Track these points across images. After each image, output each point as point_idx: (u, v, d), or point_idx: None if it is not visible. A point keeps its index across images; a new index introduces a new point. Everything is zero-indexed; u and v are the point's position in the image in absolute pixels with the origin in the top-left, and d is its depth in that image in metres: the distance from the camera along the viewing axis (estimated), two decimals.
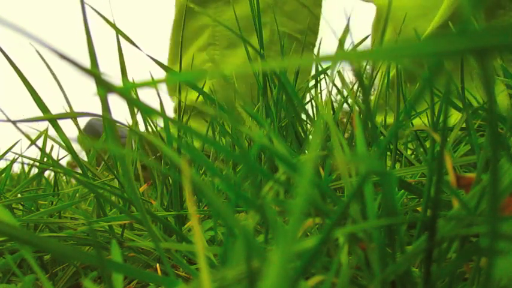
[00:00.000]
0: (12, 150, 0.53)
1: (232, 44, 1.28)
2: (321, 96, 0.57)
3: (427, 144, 0.50)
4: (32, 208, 0.47)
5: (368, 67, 0.69)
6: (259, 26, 0.52)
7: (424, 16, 1.01)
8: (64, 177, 0.88)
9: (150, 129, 0.57)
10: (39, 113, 0.43)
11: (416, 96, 0.28)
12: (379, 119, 0.63)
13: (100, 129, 1.19)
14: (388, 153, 0.50)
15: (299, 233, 0.25)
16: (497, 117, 0.44)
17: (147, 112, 0.19)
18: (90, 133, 1.17)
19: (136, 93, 0.57)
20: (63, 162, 1.30)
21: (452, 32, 0.10)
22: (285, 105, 0.52)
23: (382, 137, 0.50)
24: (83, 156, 0.71)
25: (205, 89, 0.51)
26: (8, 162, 0.52)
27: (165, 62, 1.26)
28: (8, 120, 0.43)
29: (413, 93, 0.55)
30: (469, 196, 0.24)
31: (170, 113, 1.34)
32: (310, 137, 0.54)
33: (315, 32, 1.37)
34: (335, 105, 0.59)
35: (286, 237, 0.12)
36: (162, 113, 0.28)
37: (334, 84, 0.51)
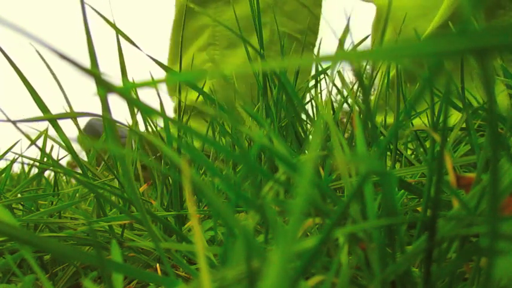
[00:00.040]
0: (12, 150, 0.53)
1: (232, 44, 1.28)
2: (321, 96, 0.57)
3: (427, 144, 0.50)
4: (32, 208, 0.47)
5: (368, 67, 0.69)
6: (259, 26, 0.52)
7: (424, 16, 1.01)
8: (64, 177, 0.88)
9: (150, 129, 0.57)
10: (39, 113, 0.43)
11: (416, 96, 0.28)
12: (379, 119, 0.63)
13: (100, 129, 1.19)
14: (388, 153, 0.50)
15: (299, 233, 0.25)
16: (497, 117, 0.44)
17: (147, 112, 0.19)
18: (90, 133, 1.17)
19: (136, 93, 0.57)
20: (63, 162, 1.30)
21: (452, 32, 0.10)
22: (285, 105, 0.52)
23: (382, 137, 0.50)
24: (83, 156, 0.71)
25: (205, 89, 0.51)
26: (8, 162, 0.52)
27: (165, 62, 1.26)
28: (8, 120, 0.43)
29: (413, 93, 0.55)
30: (469, 196, 0.24)
31: (170, 113, 1.34)
32: (310, 137, 0.54)
33: (315, 32, 1.37)
34: (335, 105, 0.59)
35: (286, 237, 0.12)
36: (162, 113, 0.28)
37: (334, 84, 0.51)
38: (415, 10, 1.02)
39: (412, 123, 0.62)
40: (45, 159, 0.53)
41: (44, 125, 0.55)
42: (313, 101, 0.59)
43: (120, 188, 0.48)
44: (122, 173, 0.47)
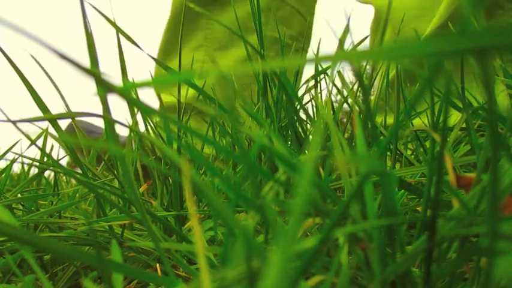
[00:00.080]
0: (12, 150, 0.53)
1: (224, 46, 1.30)
2: (321, 96, 0.57)
3: (427, 144, 0.50)
4: (32, 208, 0.47)
5: (368, 67, 0.69)
6: (260, 27, 0.52)
7: (422, 17, 1.01)
8: (64, 177, 0.88)
9: (150, 129, 0.57)
10: (39, 113, 0.43)
11: (416, 96, 0.28)
12: (379, 119, 0.63)
13: (93, 129, 1.19)
14: (388, 153, 0.50)
15: (299, 233, 0.25)
16: (497, 117, 0.44)
17: (147, 112, 0.19)
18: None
19: (136, 93, 0.57)
20: (63, 162, 1.30)
21: (452, 32, 0.10)
22: (285, 105, 0.52)
23: (382, 137, 0.50)
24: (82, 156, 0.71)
25: (205, 88, 0.51)
26: (8, 162, 0.52)
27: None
28: (8, 120, 0.43)
29: (413, 93, 0.55)
30: (469, 196, 0.24)
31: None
32: (310, 137, 0.54)
33: (307, 38, 1.37)
34: (335, 105, 0.59)
35: (286, 237, 0.12)
36: (163, 113, 0.28)
37: (334, 84, 0.51)
38: (414, 11, 1.02)
39: (412, 123, 0.62)
40: (45, 159, 0.53)
41: (44, 125, 0.55)
42: (313, 101, 0.59)
43: (120, 188, 0.48)
44: (121, 173, 0.47)
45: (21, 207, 0.48)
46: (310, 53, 1.02)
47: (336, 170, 0.35)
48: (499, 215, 0.18)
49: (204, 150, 0.96)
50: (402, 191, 0.36)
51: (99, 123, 1.25)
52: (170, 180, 0.49)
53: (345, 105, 0.55)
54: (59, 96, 0.49)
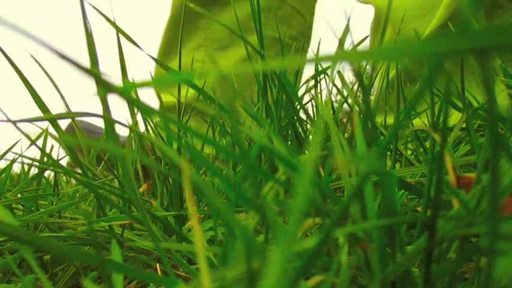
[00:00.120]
0: (12, 150, 0.53)
1: (224, 46, 1.30)
2: (321, 96, 0.57)
3: (427, 144, 0.50)
4: (32, 208, 0.47)
5: (368, 67, 0.69)
6: (260, 27, 0.52)
7: (422, 17, 1.01)
8: (64, 177, 0.88)
9: (150, 129, 0.57)
10: (39, 113, 0.43)
11: (416, 96, 0.28)
12: (379, 119, 0.63)
13: (93, 129, 1.19)
14: (388, 153, 0.50)
15: (299, 233, 0.25)
16: (497, 117, 0.44)
17: (147, 112, 0.19)
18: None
19: (136, 93, 0.57)
20: (63, 162, 1.30)
21: (452, 32, 0.10)
22: (285, 105, 0.52)
23: (382, 137, 0.50)
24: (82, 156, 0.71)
25: (205, 88, 0.51)
26: (8, 162, 0.52)
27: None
28: (8, 120, 0.43)
29: (413, 93, 0.55)
30: (469, 196, 0.24)
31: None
32: (310, 137, 0.54)
33: (307, 38, 1.37)
34: (335, 105, 0.59)
35: (286, 237, 0.12)
36: (162, 113, 0.28)
37: (334, 84, 0.51)
38: (414, 11, 1.02)
39: (412, 123, 0.62)
40: (45, 159, 0.53)
41: (44, 125, 0.55)
42: (313, 101, 0.59)
43: (120, 188, 0.48)
44: (121, 173, 0.47)
45: (21, 207, 0.48)
46: (310, 53, 1.02)
47: (336, 170, 0.35)
48: (499, 215, 0.18)
49: (204, 150, 0.96)
50: (402, 191, 0.36)
51: (99, 123, 1.25)
52: (170, 180, 0.49)
53: (345, 105, 0.55)
54: (59, 96, 0.49)
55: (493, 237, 0.18)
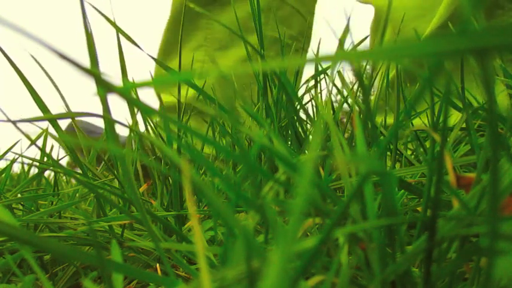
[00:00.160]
0: (12, 150, 0.53)
1: (224, 46, 1.30)
2: (321, 96, 0.57)
3: (427, 144, 0.50)
4: (32, 208, 0.47)
5: (368, 67, 0.69)
6: (260, 26, 0.52)
7: (422, 17, 1.01)
8: (64, 177, 0.88)
9: (150, 129, 0.57)
10: (39, 113, 0.43)
11: (416, 96, 0.28)
12: (379, 119, 0.63)
13: (93, 129, 1.19)
14: (388, 153, 0.50)
15: (299, 233, 0.25)
16: (497, 117, 0.44)
17: (147, 112, 0.19)
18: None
19: (136, 93, 0.57)
20: (63, 162, 1.31)
21: (452, 32, 0.10)
22: (285, 105, 0.52)
23: (382, 137, 0.50)
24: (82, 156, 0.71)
25: (205, 88, 0.51)
26: (8, 162, 0.52)
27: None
28: (8, 120, 0.43)
29: (413, 93, 0.55)
30: (469, 196, 0.24)
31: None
32: (310, 137, 0.54)
33: (307, 38, 1.37)
34: (335, 105, 0.59)
35: (286, 237, 0.12)
36: (162, 113, 0.28)
37: (334, 84, 0.51)
38: (414, 11, 1.02)
39: (412, 123, 0.62)
40: (45, 159, 0.53)
41: (44, 125, 0.55)
42: (313, 101, 0.59)
43: (120, 188, 0.48)
44: (121, 173, 0.47)
45: (21, 207, 0.48)
46: (310, 53, 1.02)
47: (336, 170, 0.35)
48: (499, 215, 0.18)
49: (204, 150, 0.96)
50: (402, 191, 0.36)
51: (99, 123, 1.25)
52: (170, 180, 0.49)
53: (345, 105, 0.55)
54: (59, 96, 0.49)
55: (493, 237, 0.18)
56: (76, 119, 0.60)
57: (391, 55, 0.11)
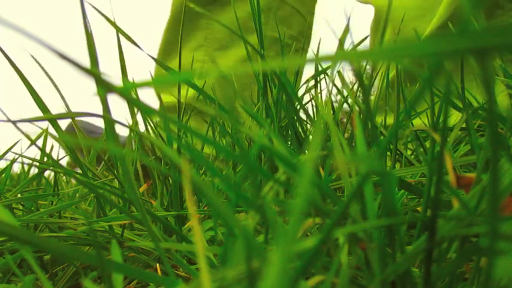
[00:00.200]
0: (12, 150, 0.53)
1: (224, 46, 1.30)
2: (321, 96, 0.57)
3: (427, 144, 0.50)
4: (32, 208, 0.47)
5: (368, 67, 0.69)
6: (260, 26, 0.52)
7: (422, 17, 1.01)
8: (64, 177, 0.88)
9: (150, 129, 0.57)
10: (39, 113, 0.43)
11: (416, 96, 0.28)
12: (379, 119, 0.63)
13: (93, 129, 1.19)
14: (388, 153, 0.50)
15: (299, 233, 0.25)
16: (497, 117, 0.44)
17: (147, 112, 0.19)
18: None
19: (136, 93, 0.57)
20: (63, 162, 1.31)
21: (452, 32, 0.10)
22: (285, 105, 0.52)
23: (382, 137, 0.50)
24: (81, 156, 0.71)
25: (205, 88, 0.51)
26: (8, 162, 0.52)
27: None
28: (8, 120, 0.43)
29: (413, 93, 0.55)
30: (469, 196, 0.24)
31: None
32: (310, 137, 0.54)
33: (307, 38, 1.37)
34: (335, 105, 0.59)
35: (286, 237, 0.12)
36: (162, 113, 0.28)
37: (334, 84, 0.51)
38: (414, 11, 1.02)
39: (412, 123, 0.62)
40: (45, 159, 0.53)
41: (44, 125, 0.55)
42: (313, 101, 0.59)
43: (120, 188, 0.48)
44: (121, 173, 0.47)
45: (21, 207, 0.48)
46: (310, 53, 1.02)
47: (336, 170, 0.35)
48: (499, 215, 0.18)
49: (204, 150, 0.96)
50: (402, 191, 0.36)
51: (99, 123, 1.25)
52: (170, 180, 0.49)
53: (345, 105, 0.55)
54: (59, 96, 0.49)
55: (493, 237, 0.18)
56: (76, 119, 0.60)
57: (391, 55, 0.11)
